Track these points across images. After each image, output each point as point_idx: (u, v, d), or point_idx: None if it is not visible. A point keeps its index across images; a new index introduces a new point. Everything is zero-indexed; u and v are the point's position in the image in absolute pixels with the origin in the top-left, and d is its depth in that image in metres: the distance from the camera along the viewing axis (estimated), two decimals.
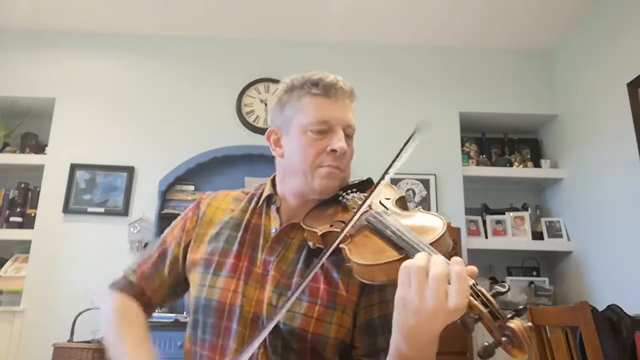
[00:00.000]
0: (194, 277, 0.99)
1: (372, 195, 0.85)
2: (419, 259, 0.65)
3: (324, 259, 0.78)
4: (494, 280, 3.17)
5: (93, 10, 3.15)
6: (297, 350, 0.89)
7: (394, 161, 0.86)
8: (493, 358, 0.59)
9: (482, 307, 0.61)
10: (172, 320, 2.47)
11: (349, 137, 0.98)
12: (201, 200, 1.10)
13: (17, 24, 3.26)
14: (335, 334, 0.89)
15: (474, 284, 0.63)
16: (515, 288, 3.07)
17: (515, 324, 0.59)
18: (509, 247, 3.14)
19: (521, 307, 0.61)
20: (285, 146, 1.00)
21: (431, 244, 0.71)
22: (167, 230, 1.10)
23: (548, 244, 3.12)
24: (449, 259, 0.65)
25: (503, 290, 0.63)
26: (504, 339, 0.59)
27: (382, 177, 0.86)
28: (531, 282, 3.10)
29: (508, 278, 3.13)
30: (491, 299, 0.62)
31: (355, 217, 0.81)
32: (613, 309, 1.85)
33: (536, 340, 1.91)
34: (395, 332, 0.71)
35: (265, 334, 0.76)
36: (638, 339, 1.75)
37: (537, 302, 2.99)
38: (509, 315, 0.60)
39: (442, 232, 0.73)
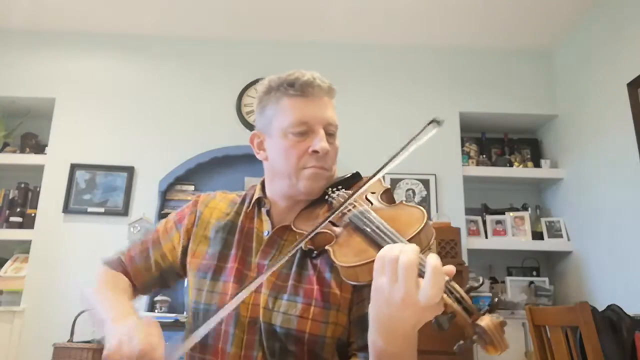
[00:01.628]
0: (193, 281, 0.99)
1: (354, 195, 0.85)
2: (392, 249, 0.65)
3: (288, 256, 0.79)
4: (494, 280, 3.17)
5: (93, 10, 3.15)
6: (295, 352, 0.89)
7: (398, 152, 0.85)
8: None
9: (455, 305, 0.61)
10: (172, 320, 2.47)
11: (331, 135, 0.96)
12: (199, 199, 1.10)
13: (17, 24, 3.26)
14: (332, 333, 0.89)
15: (447, 281, 0.63)
16: (515, 288, 3.07)
17: (484, 321, 0.59)
18: (509, 247, 3.14)
19: (495, 300, 0.62)
20: (269, 149, 0.99)
21: (412, 237, 0.71)
22: (160, 223, 1.11)
23: (548, 244, 3.12)
24: (431, 251, 0.65)
25: (476, 284, 0.63)
26: (474, 336, 0.59)
27: (379, 170, 0.85)
28: (531, 282, 3.10)
29: (508, 278, 3.13)
30: (465, 295, 0.62)
31: (331, 217, 0.81)
32: (613, 309, 1.85)
33: (536, 340, 1.91)
34: (371, 326, 0.72)
35: (210, 325, 0.77)
36: (638, 339, 1.75)
37: (537, 302, 2.99)
38: (482, 311, 0.60)
39: (422, 226, 0.73)
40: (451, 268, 0.64)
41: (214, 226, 1.03)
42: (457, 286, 0.62)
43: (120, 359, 0.75)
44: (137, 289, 1.08)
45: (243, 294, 0.77)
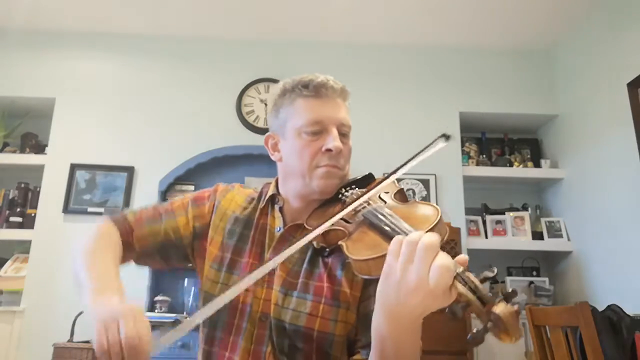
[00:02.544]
0: (207, 271, 1.00)
1: (370, 192, 0.86)
2: (413, 234, 0.65)
3: (300, 245, 0.79)
4: (494, 280, 3.17)
5: (93, 10, 3.15)
6: (304, 349, 0.90)
7: (406, 163, 0.86)
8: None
9: (469, 294, 0.61)
10: (172, 320, 2.47)
11: (344, 135, 0.98)
12: (218, 188, 1.11)
13: (17, 24, 3.26)
14: (340, 331, 0.90)
15: (462, 271, 0.63)
16: (515, 288, 3.06)
17: (499, 308, 0.58)
18: (509, 247, 3.14)
19: (510, 290, 0.61)
20: (283, 150, 1.01)
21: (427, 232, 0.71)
22: (175, 198, 1.10)
23: (548, 244, 3.12)
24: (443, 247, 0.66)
25: (491, 275, 0.63)
26: (489, 324, 0.58)
27: (388, 176, 0.86)
28: (531, 282, 3.10)
29: (508, 278, 3.13)
30: (479, 284, 0.62)
31: (345, 212, 0.82)
32: (613, 309, 1.85)
33: (536, 340, 1.91)
34: (378, 312, 0.72)
35: (205, 314, 0.75)
36: (638, 339, 1.75)
37: (537, 302, 2.99)
38: (497, 300, 0.60)
39: (437, 221, 0.74)
40: (464, 257, 0.65)
41: (231, 218, 1.04)
42: (471, 276, 0.62)
43: (103, 343, 0.70)
44: (134, 253, 1.03)
45: (244, 284, 0.76)
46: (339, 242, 0.81)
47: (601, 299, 2.64)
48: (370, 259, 0.72)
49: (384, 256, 0.70)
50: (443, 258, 0.62)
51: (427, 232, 0.71)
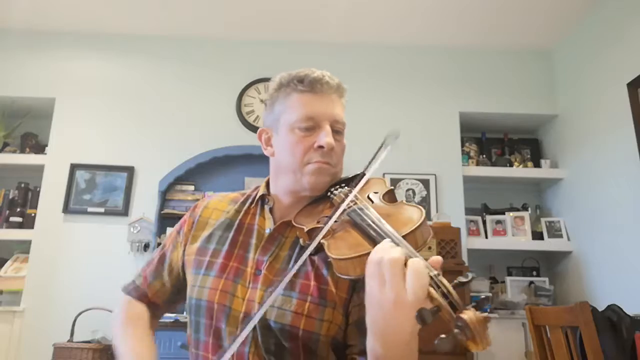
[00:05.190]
0: (188, 278, 1.01)
1: (358, 191, 0.86)
2: (377, 251, 0.65)
3: (306, 254, 0.79)
4: (494, 280, 3.17)
5: (93, 10, 3.15)
6: (290, 348, 0.88)
7: (365, 170, 0.87)
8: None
9: (441, 299, 0.59)
10: (172, 320, 2.47)
11: (337, 132, 0.97)
12: (198, 203, 1.12)
13: (17, 24, 3.26)
14: (326, 331, 0.89)
15: (435, 275, 0.61)
16: (515, 288, 3.07)
17: (467, 314, 0.56)
18: (509, 247, 3.14)
19: (483, 296, 0.60)
20: (275, 145, 1.00)
21: (407, 234, 0.71)
22: (167, 236, 1.14)
23: (548, 244, 3.12)
24: (430, 251, 0.65)
25: (465, 280, 0.61)
26: (456, 330, 0.56)
27: (363, 173, 0.87)
28: (531, 282, 3.10)
29: (508, 278, 3.13)
30: (451, 289, 0.60)
31: (335, 215, 0.82)
32: (613, 309, 1.85)
33: (536, 340, 1.91)
34: (369, 333, 0.71)
35: (246, 332, 0.77)
36: (638, 339, 1.75)
37: (537, 302, 2.98)
38: (468, 306, 0.58)
39: (419, 224, 0.73)
40: (438, 258, 0.64)
41: (213, 224, 1.04)
42: (444, 281, 0.61)
43: None
44: (160, 309, 1.09)
45: (273, 297, 0.79)
46: (321, 241, 0.80)
47: (601, 299, 2.64)
48: (348, 258, 0.72)
49: (361, 257, 0.69)
50: (415, 266, 0.61)
51: (408, 234, 0.71)
